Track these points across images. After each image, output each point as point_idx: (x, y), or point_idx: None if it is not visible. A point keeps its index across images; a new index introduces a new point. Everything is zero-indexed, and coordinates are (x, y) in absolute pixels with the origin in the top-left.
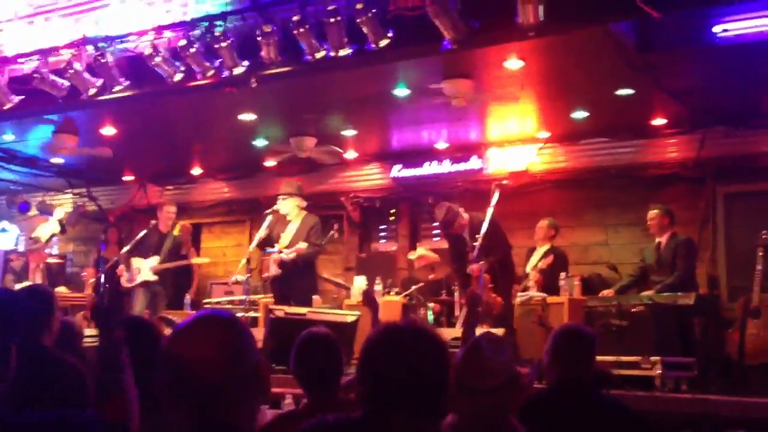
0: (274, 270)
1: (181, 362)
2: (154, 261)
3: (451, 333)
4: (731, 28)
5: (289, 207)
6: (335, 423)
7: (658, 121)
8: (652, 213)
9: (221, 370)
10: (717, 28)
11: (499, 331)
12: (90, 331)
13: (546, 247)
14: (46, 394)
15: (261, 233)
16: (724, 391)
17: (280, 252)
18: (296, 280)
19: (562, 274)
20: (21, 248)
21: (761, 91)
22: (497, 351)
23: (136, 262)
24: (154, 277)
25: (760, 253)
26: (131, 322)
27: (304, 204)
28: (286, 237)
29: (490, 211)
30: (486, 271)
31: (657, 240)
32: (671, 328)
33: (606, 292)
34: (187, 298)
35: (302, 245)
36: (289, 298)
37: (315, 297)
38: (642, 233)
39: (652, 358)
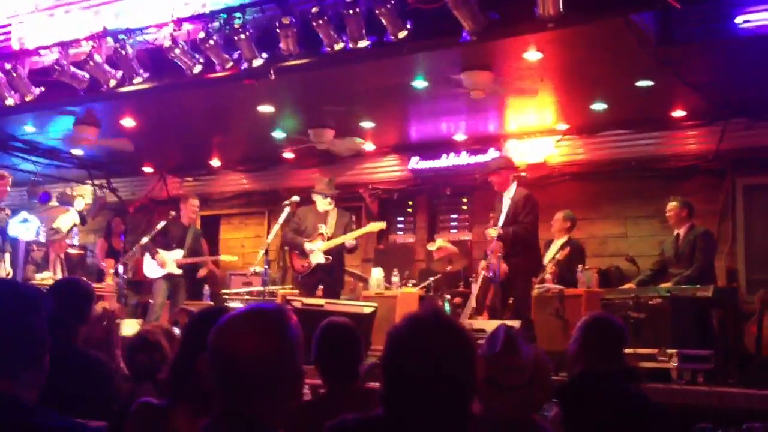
0: (321, 258)
1: (224, 354)
2: (178, 254)
3: (468, 325)
4: (753, 19)
5: (324, 203)
6: (356, 423)
7: (678, 113)
8: (671, 205)
9: (263, 365)
10: (738, 19)
11: (515, 323)
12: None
13: (563, 239)
14: (71, 391)
15: (280, 224)
16: (742, 383)
17: (329, 239)
18: (333, 271)
19: (580, 267)
20: (41, 239)
21: None
22: (527, 347)
23: (161, 253)
24: (179, 271)
25: None
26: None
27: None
28: (328, 229)
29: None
30: (499, 238)
31: (675, 232)
32: (689, 320)
33: (626, 287)
34: (207, 289)
35: (378, 225)
36: (321, 288)
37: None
38: (661, 226)
39: (669, 351)
